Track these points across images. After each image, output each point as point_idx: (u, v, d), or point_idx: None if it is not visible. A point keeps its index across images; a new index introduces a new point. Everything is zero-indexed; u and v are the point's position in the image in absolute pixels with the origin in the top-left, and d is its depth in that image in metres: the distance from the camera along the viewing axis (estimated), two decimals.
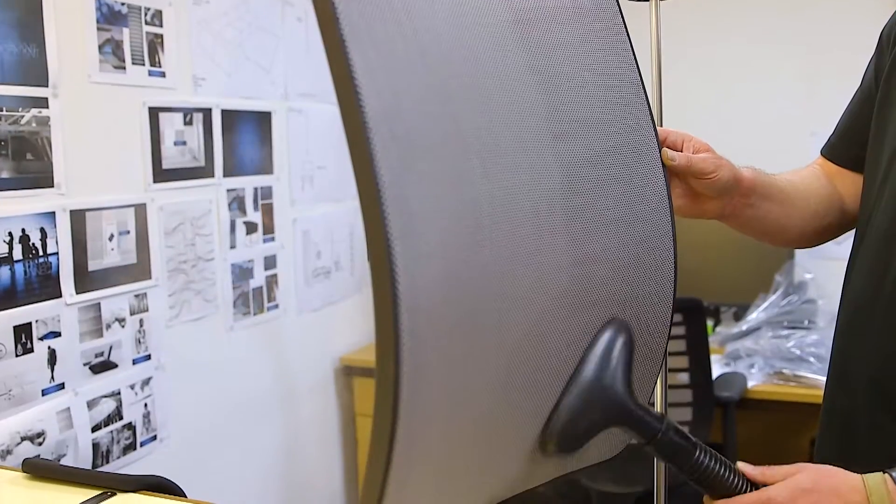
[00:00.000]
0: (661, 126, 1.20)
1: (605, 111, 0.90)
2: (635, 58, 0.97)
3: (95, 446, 1.91)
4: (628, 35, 0.97)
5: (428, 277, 0.66)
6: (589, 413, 0.86)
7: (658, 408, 1.27)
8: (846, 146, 1.23)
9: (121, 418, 1.98)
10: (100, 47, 1.92)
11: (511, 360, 0.78)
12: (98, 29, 1.91)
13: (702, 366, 2.39)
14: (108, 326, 1.94)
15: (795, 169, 1.26)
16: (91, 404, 1.90)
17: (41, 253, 1.78)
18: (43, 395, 1.78)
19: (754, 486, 0.89)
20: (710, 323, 2.90)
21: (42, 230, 1.77)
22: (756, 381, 2.46)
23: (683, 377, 2.40)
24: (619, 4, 0.98)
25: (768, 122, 3.10)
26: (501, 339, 0.76)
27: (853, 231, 1.16)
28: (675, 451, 0.88)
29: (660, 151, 0.96)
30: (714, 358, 2.50)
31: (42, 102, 1.78)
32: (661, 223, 0.94)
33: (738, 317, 2.89)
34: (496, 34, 0.81)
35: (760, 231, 1.17)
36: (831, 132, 1.27)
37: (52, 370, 1.80)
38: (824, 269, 2.70)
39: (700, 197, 1.07)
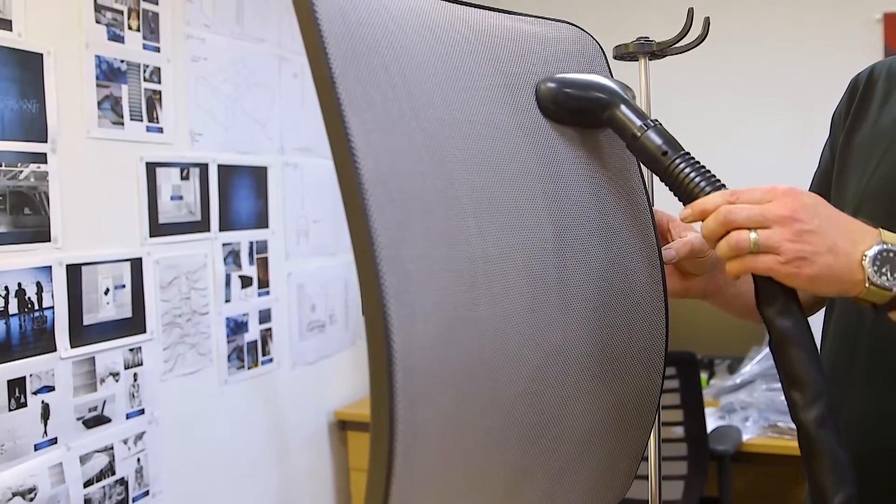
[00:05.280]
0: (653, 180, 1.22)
1: (596, 171, 0.92)
2: None
3: (87, 502, 1.90)
4: None
5: (423, 336, 0.67)
6: (594, 83, 0.90)
7: (651, 461, 1.26)
8: None
9: (113, 473, 1.97)
10: (99, 103, 1.94)
11: (506, 418, 0.79)
12: (97, 85, 1.94)
13: (696, 419, 2.39)
14: (102, 380, 1.94)
15: None
16: (83, 459, 1.89)
17: (37, 307, 1.78)
18: (35, 449, 1.77)
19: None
20: (704, 376, 2.89)
21: (38, 284, 1.78)
22: (751, 434, 2.46)
23: (678, 430, 2.40)
24: (608, 65, 1.01)
25: (757, 176, 3.11)
26: (496, 396, 0.77)
27: None
28: (664, 145, 0.86)
29: (650, 211, 0.97)
30: (708, 411, 2.49)
31: (41, 158, 1.80)
32: (652, 276, 0.95)
33: (733, 369, 2.89)
34: (488, 97, 0.83)
35: (743, 309, 1.18)
36: None
37: (45, 425, 1.80)
38: (818, 322, 2.70)
39: (686, 275, 1.09)
